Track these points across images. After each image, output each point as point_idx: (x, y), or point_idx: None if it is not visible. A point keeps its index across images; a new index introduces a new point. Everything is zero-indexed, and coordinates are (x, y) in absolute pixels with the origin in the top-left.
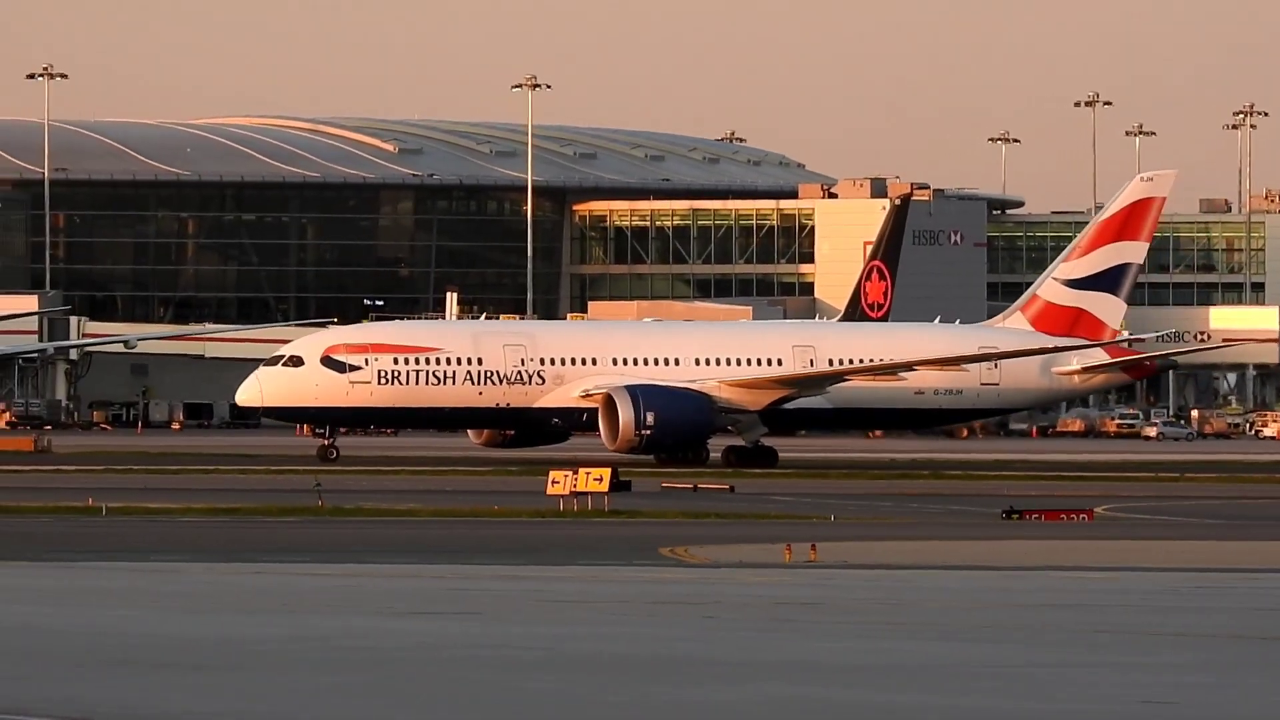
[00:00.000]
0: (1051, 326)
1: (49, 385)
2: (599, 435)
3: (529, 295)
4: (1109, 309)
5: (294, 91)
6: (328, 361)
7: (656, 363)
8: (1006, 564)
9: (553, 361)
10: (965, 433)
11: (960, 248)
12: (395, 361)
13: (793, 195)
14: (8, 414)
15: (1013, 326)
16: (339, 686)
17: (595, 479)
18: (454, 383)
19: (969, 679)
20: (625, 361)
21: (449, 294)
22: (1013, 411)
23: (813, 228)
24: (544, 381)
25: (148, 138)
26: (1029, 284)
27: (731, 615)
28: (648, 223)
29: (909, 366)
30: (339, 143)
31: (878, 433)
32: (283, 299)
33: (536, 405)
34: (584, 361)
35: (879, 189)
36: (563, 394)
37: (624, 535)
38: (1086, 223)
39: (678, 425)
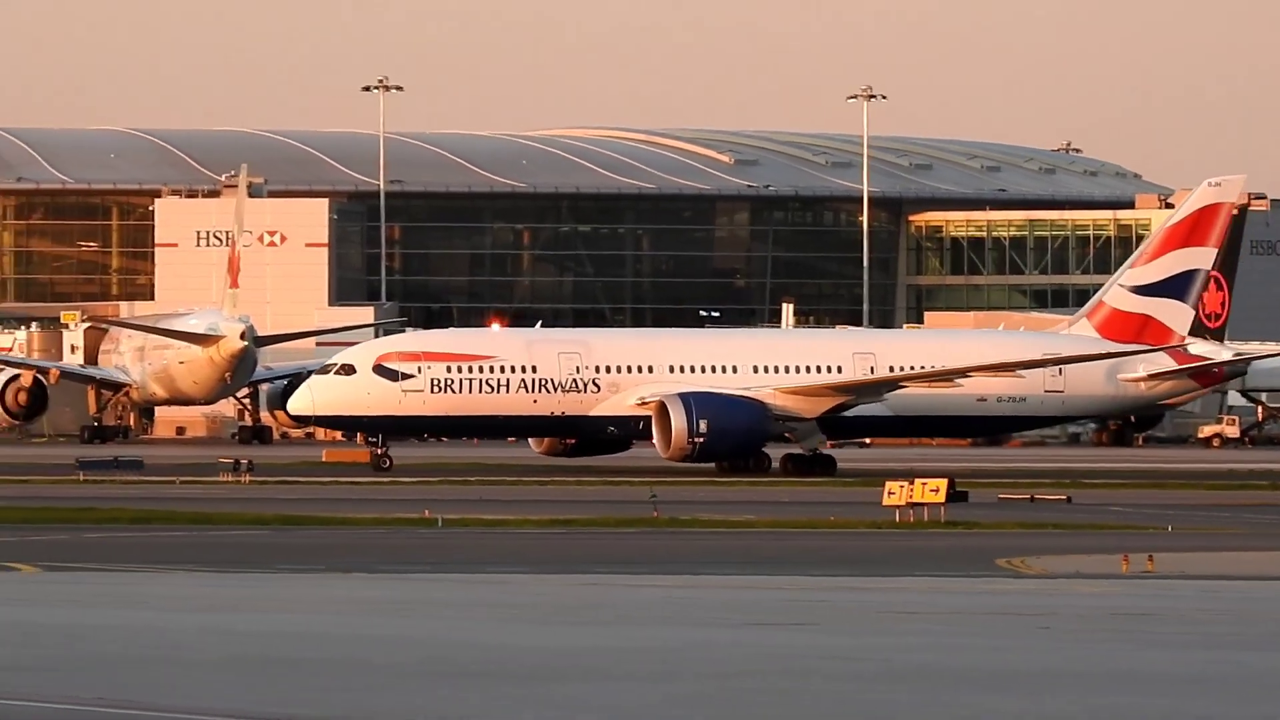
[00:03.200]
0: (1118, 333)
1: None
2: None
3: (865, 306)
4: (1177, 315)
5: (629, 103)
6: (380, 370)
7: (713, 370)
8: None
9: (608, 369)
10: (1218, 443)
11: None
12: (449, 369)
13: (1129, 206)
14: None
15: (1078, 333)
16: (677, 698)
17: (931, 490)
18: (508, 391)
19: None
20: (682, 369)
21: (785, 305)
22: (1078, 419)
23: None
24: (599, 389)
25: (483, 149)
26: None
27: (1068, 626)
28: (984, 233)
29: (963, 373)
30: (674, 154)
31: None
32: (619, 310)
33: (592, 413)
34: (640, 369)
35: None
36: (618, 402)
37: (960, 546)
38: None
39: (731, 433)
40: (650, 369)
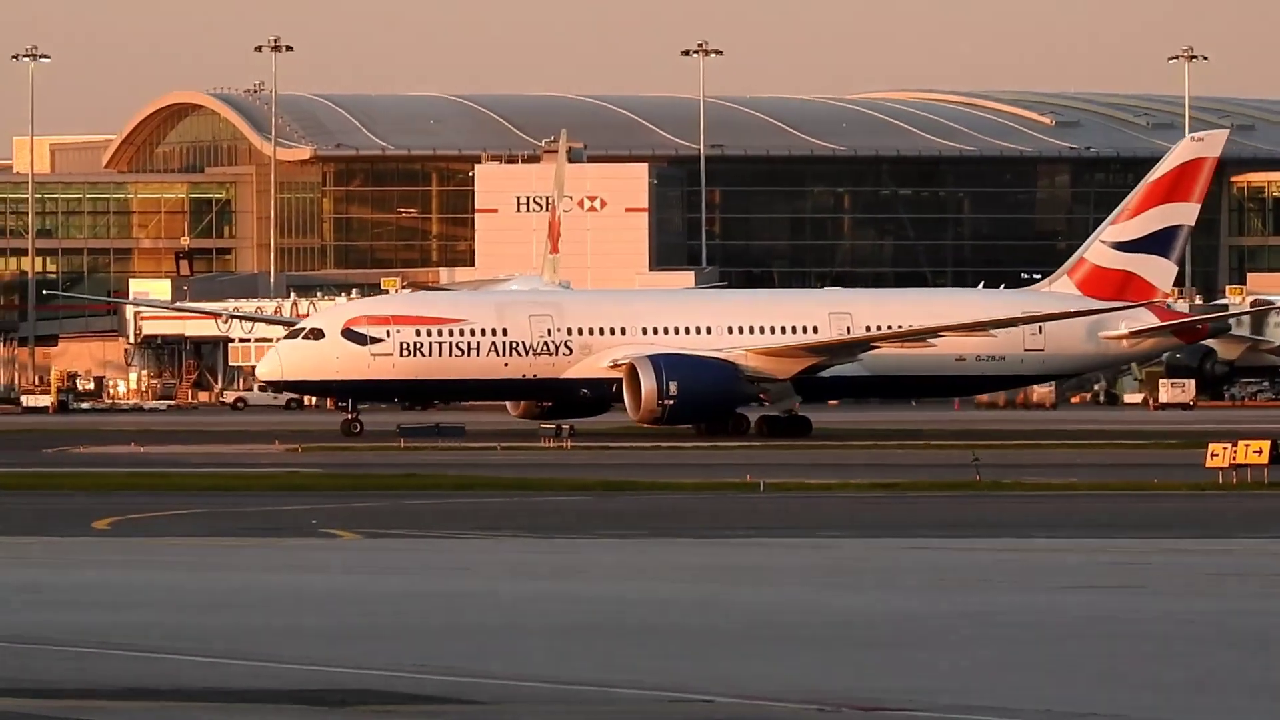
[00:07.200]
0: (1099, 290)
1: None
2: None
3: (1187, 268)
4: (1159, 271)
5: (949, 65)
6: (349, 334)
7: (688, 331)
8: None
9: (580, 331)
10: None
11: None
12: (418, 333)
13: None
14: None
15: (1059, 291)
16: (1006, 662)
17: (1255, 451)
18: (478, 354)
19: None
20: (655, 330)
21: None
22: (1058, 378)
23: None
24: (571, 352)
25: (803, 113)
26: None
27: None
28: None
29: (934, 332)
30: (994, 116)
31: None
32: (940, 273)
33: (564, 376)
34: (612, 331)
35: None
36: (591, 364)
37: None
38: None
39: (702, 395)
40: (623, 331)
